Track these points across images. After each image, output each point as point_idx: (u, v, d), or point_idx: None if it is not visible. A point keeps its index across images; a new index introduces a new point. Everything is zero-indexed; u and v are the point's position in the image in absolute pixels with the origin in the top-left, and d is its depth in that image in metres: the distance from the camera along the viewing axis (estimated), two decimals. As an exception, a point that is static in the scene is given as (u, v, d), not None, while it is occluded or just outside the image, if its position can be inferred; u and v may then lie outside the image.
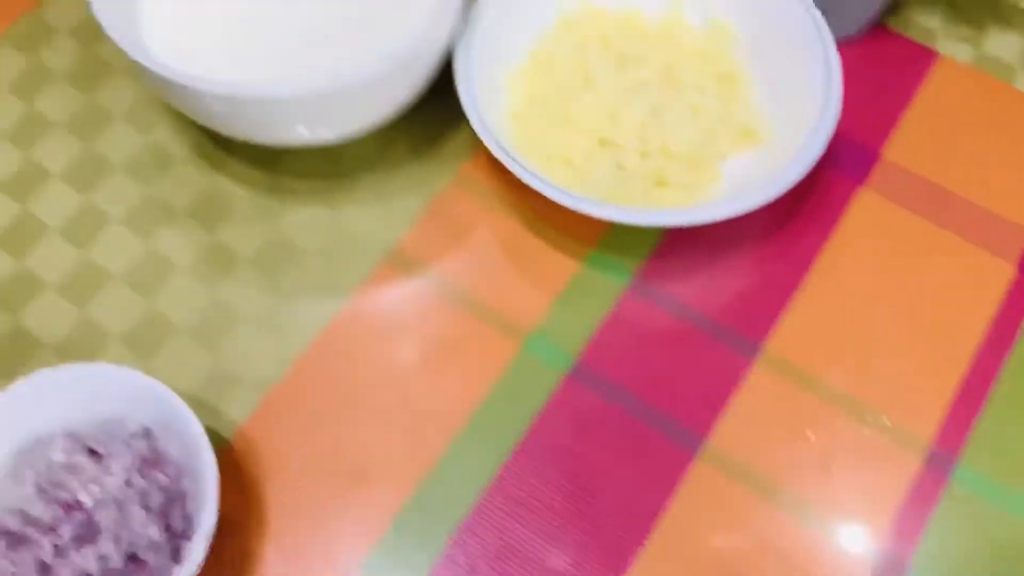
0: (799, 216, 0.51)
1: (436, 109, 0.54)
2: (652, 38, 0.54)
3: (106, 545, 0.38)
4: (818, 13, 0.50)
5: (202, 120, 0.47)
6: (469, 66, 0.49)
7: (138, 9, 0.50)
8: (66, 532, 0.38)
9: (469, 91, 0.48)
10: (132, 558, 0.38)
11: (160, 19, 0.49)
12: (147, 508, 0.39)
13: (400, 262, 0.50)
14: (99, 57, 0.57)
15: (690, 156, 0.50)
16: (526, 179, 0.45)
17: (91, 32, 0.57)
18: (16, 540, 0.38)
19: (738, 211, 0.45)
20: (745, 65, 0.53)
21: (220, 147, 0.53)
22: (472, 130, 0.48)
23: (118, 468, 0.39)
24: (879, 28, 0.58)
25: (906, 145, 0.54)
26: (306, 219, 0.51)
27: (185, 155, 0.53)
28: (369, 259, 0.50)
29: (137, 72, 0.47)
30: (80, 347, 0.48)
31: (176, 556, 0.39)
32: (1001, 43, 0.57)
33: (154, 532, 0.38)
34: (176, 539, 0.39)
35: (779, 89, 0.51)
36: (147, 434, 0.41)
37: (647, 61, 0.52)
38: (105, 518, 0.38)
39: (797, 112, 0.49)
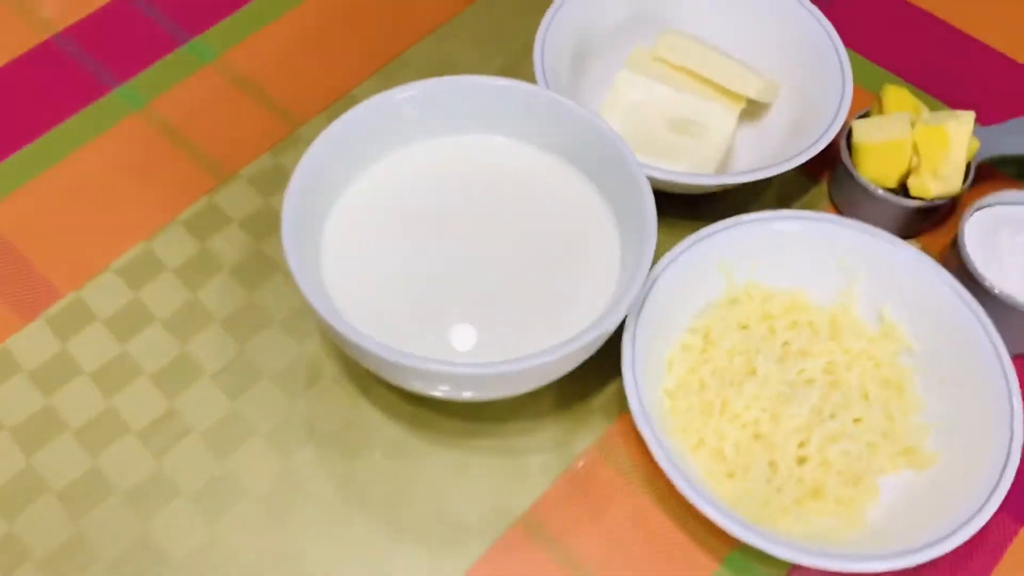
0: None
1: (589, 364, 0.53)
2: (819, 329, 0.52)
3: None
4: (994, 331, 0.49)
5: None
6: (635, 344, 0.48)
7: (321, 241, 0.51)
8: None
9: (632, 370, 0.47)
10: None
11: (341, 256, 0.50)
12: None
13: (531, 527, 0.49)
14: (265, 254, 0.58)
15: (849, 469, 0.48)
16: (675, 481, 0.44)
17: (262, 226, 0.59)
18: None
19: (903, 566, 0.43)
20: (912, 374, 0.51)
21: (369, 372, 0.53)
22: (621, 387, 0.51)
23: None
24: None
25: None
26: (442, 465, 0.51)
27: (335, 374, 0.53)
28: (500, 520, 0.49)
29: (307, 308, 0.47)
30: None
31: None
32: None
33: None
34: None
35: (949, 408, 0.49)
36: None
37: (813, 355, 0.51)
38: None
39: (970, 439, 0.47)
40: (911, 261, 0.51)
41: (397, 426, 0.52)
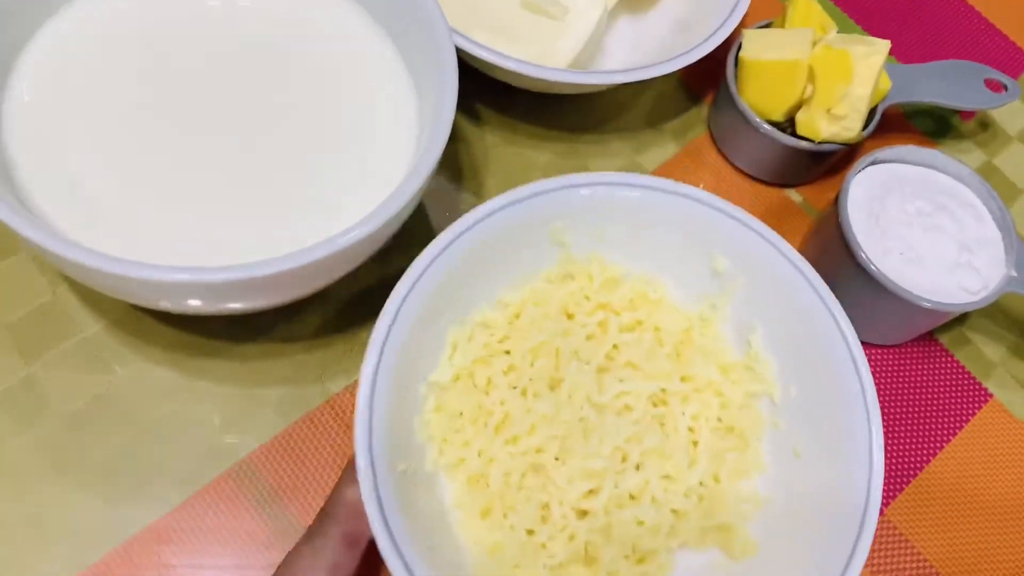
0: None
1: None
2: (665, 340, 0.38)
3: None
4: (876, 416, 0.34)
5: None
6: (404, 305, 0.33)
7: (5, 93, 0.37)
8: None
9: (382, 347, 0.32)
10: None
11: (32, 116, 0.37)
12: None
13: (243, 478, 0.38)
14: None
15: (638, 543, 0.35)
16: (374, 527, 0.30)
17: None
18: None
19: None
20: (765, 429, 0.37)
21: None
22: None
23: None
24: (929, 340, 0.47)
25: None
26: (149, 385, 0.40)
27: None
28: (209, 465, 0.38)
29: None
30: None
31: None
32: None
33: None
34: None
35: (794, 489, 0.36)
36: None
37: (644, 374, 0.37)
38: None
39: (804, 540, 0.34)
40: (807, 296, 0.36)
41: (101, 326, 0.40)
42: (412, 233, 0.41)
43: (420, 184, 0.35)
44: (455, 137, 0.48)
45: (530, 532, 0.34)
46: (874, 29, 0.55)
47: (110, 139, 0.37)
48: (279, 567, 0.31)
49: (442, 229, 0.35)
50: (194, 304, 0.34)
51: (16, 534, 0.36)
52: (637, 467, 0.36)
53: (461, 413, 0.35)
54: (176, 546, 0.37)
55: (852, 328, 0.35)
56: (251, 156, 0.38)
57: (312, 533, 0.32)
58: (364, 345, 0.32)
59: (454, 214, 0.45)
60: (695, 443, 0.37)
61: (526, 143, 0.48)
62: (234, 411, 0.39)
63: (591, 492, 0.35)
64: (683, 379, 0.37)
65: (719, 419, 0.37)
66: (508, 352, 0.37)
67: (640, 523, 0.35)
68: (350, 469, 0.31)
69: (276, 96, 0.39)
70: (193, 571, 0.36)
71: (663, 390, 0.37)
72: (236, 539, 0.37)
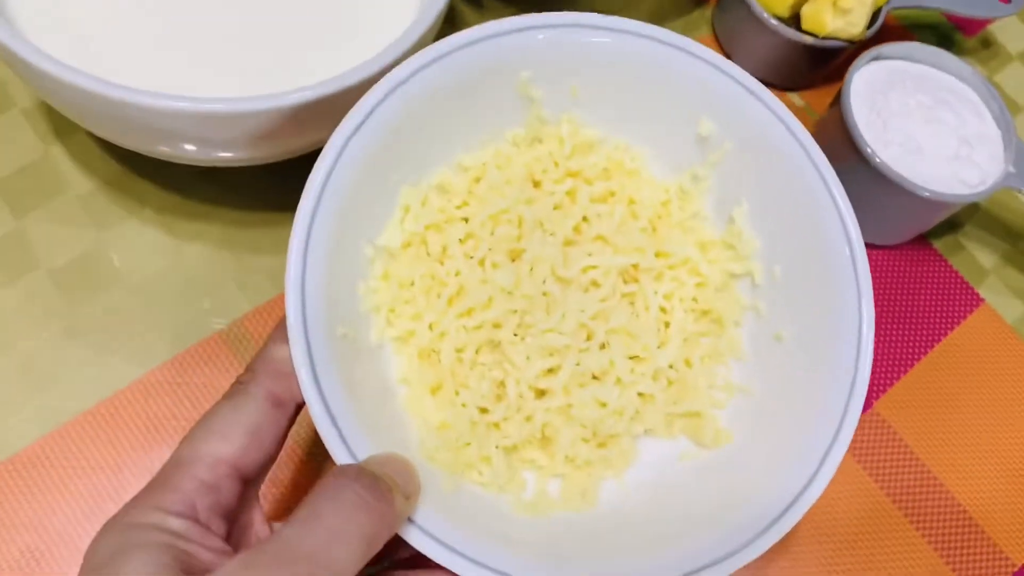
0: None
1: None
2: (640, 213, 0.35)
3: None
4: (869, 305, 0.32)
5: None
6: (342, 155, 0.29)
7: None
8: None
9: (318, 197, 0.29)
10: None
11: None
12: None
13: (233, 339, 0.38)
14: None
15: (600, 425, 0.32)
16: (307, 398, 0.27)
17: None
18: None
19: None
20: (744, 313, 0.35)
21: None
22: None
23: None
24: (924, 244, 0.47)
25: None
26: (143, 243, 0.39)
27: (29, 106, 0.41)
28: (200, 324, 0.38)
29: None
30: None
31: None
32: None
33: None
34: None
35: (772, 378, 0.33)
36: None
37: (614, 248, 0.34)
38: None
39: (781, 433, 0.32)
40: (803, 168, 0.33)
41: (94, 184, 0.40)
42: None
43: (419, 34, 0.34)
44: (454, 20, 0.47)
45: (483, 411, 0.32)
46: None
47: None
48: (193, 426, 0.27)
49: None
50: (188, 148, 0.34)
51: (6, 381, 0.36)
52: (602, 346, 0.33)
53: (412, 283, 0.32)
54: (164, 399, 0.36)
55: (851, 209, 0.32)
56: None
57: (233, 391, 0.28)
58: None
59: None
60: (667, 324, 0.34)
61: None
62: (226, 275, 0.39)
63: (550, 371, 0.32)
64: (657, 255, 0.34)
65: (694, 299, 0.35)
66: (466, 220, 0.33)
67: (602, 404, 0.32)
68: (282, 327, 0.28)
69: None
70: (179, 423, 0.36)
71: (635, 266, 0.34)
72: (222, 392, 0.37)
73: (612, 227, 0.34)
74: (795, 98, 0.49)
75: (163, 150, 0.34)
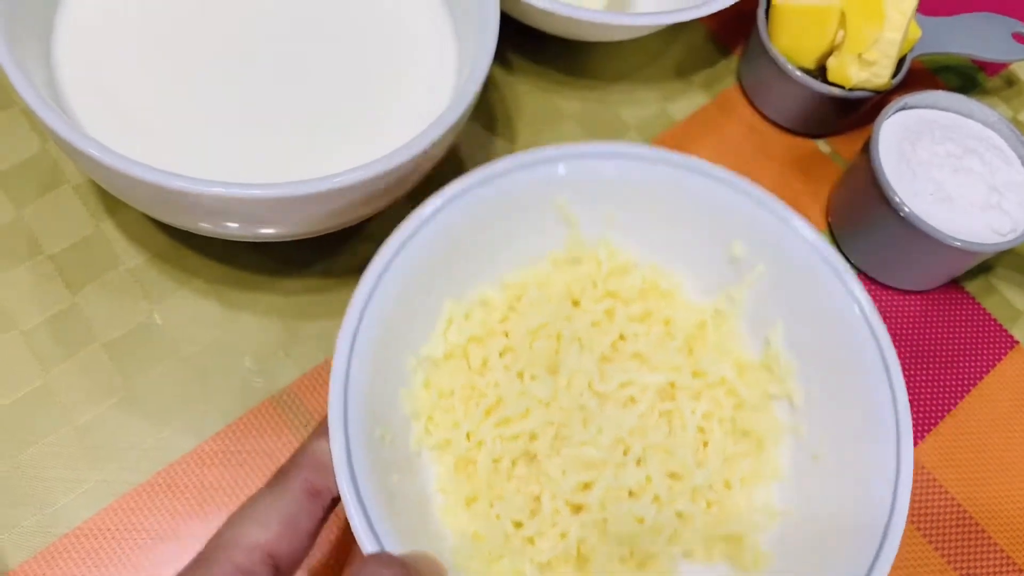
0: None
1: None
2: (676, 332, 0.36)
3: None
4: (906, 414, 0.32)
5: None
6: (389, 269, 0.32)
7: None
8: None
9: (363, 308, 0.31)
10: None
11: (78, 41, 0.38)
12: None
13: (285, 404, 0.39)
14: None
15: (636, 544, 0.32)
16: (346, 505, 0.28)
17: None
18: None
19: None
20: (783, 434, 0.35)
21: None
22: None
23: None
24: (955, 288, 0.47)
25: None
26: (193, 313, 0.40)
27: (80, 182, 0.42)
28: (252, 392, 0.39)
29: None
30: None
31: None
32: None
33: None
34: None
35: (815, 499, 0.33)
36: None
37: (651, 366, 0.35)
38: None
39: (823, 552, 0.31)
40: (833, 286, 0.34)
41: (144, 257, 0.41)
42: (446, 177, 0.41)
43: (456, 117, 0.35)
44: (487, 84, 0.48)
45: (518, 524, 0.32)
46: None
47: (157, 56, 0.38)
48: (237, 509, 0.28)
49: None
50: (231, 226, 0.35)
51: (65, 453, 0.37)
52: (638, 462, 0.33)
53: (452, 392, 0.33)
54: (218, 468, 0.37)
55: (883, 325, 0.33)
56: (290, 83, 0.39)
57: (274, 480, 0.29)
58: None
59: (487, 161, 0.46)
60: (704, 444, 0.34)
61: (556, 91, 0.49)
62: (275, 343, 0.40)
63: (586, 485, 0.32)
64: (694, 374, 0.35)
65: (733, 420, 0.35)
66: (507, 334, 0.35)
67: (639, 520, 0.32)
68: (325, 422, 0.29)
69: (317, 27, 0.40)
70: (234, 492, 0.37)
71: (672, 384, 0.35)
72: (276, 463, 0.38)
73: (649, 345, 0.35)
74: (822, 145, 0.50)
75: (204, 226, 0.35)
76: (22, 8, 0.35)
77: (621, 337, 0.35)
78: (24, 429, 0.37)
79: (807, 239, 0.34)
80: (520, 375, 0.34)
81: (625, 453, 0.33)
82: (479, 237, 0.34)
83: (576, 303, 0.36)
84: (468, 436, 0.33)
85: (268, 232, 0.36)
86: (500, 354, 0.34)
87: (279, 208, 0.33)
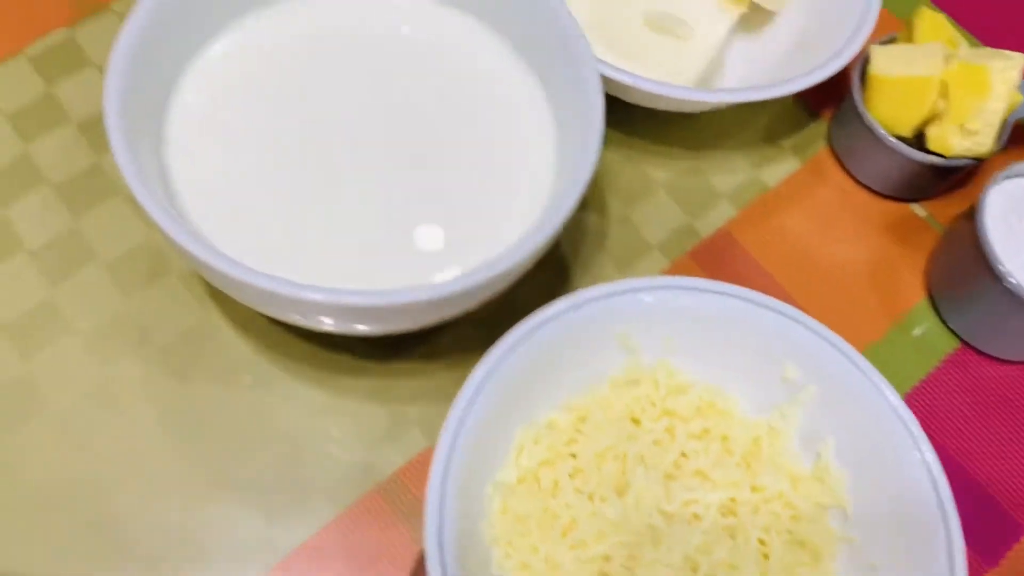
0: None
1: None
2: (734, 449, 0.38)
3: None
4: (956, 524, 0.34)
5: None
6: (474, 405, 0.34)
7: (167, 115, 0.39)
8: None
9: (452, 445, 0.33)
10: None
11: (191, 143, 0.39)
12: None
13: (392, 494, 0.39)
14: (126, 110, 0.46)
15: None
16: None
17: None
18: None
19: None
20: (837, 543, 0.36)
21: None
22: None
23: None
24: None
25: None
26: (299, 402, 0.41)
27: (185, 272, 0.43)
28: (359, 481, 0.39)
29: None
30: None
31: None
32: None
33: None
34: None
35: None
36: None
37: (712, 483, 0.37)
38: None
39: None
40: (881, 407, 0.36)
41: (251, 347, 0.41)
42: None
43: (561, 221, 0.35)
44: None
45: None
46: (992, 43, 0.55)
47: (261, 155, 0.39)
48: None
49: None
50: (327, 322, 0.36)
51: (178, 551, 0.37)
52: None
53: (528, 516, 0.35)
54: (331, 562, 0.38)
55: (926, 438, 0.35)
56: (394, 185, 0.39)
57: None
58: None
59: (578, 235, 0.46)
60: (766, 556, 0.36)
61: (646, 160, 0.49)
62: (379, 429, 0.40)
63: None
64: (753, 489, 0.37)
65: (790, 532, 0.36)
66: (574, 455, 0.37)
67: None
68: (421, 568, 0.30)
69: (418, 127, 0.40)
70: (350, 586, 0.37)
71: (732, 500, 0.37)
72: (387, 553, 0.38)
73: (709, 463, 0.37)
74: (917, 209, 0.49)
75: (299, 320, 0.36)
76: (137, 102, 0.36)
77: (683, 455, 0.37)
78: (131, 520, 0.38)
79: (856, 364, 0.36)
80: (591, 497, 0.36)
81: (694, 570, 0.35)
82: (548, 366, 0.36)
83: (637, 422, 0.38)
84: (546, 559, 0.34)
85: (371, 329, 0.37)
86: (570, 476, 0.36)
87: (382, 313, 0.34)
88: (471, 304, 0.36)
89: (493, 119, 0.40)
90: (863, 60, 0.47)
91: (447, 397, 0.41)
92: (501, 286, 0.36)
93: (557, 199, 0.36)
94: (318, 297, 0.32)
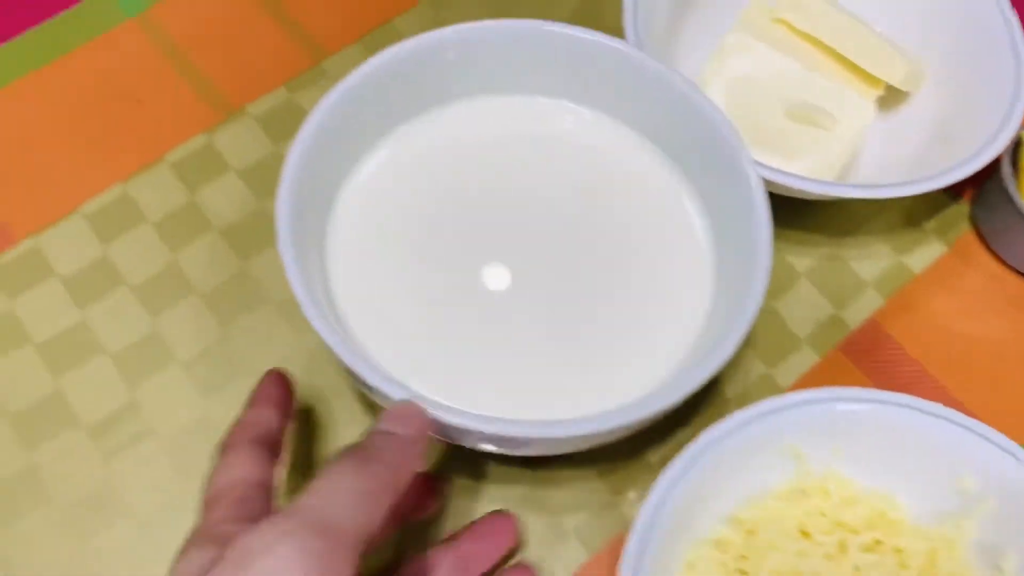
0: None
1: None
2: (909, 562, 0.37)
3: None
4: None
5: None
6: (650, 536, 0.34)
7: (328, 229, 0.40)
8: None
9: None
10: None
11: (351, 257, 0.39)
12: None
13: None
14: (267, 214, 0.47)
15: None
16: None
17: (267, 178, 0.48)
18: None
19: None
20: None
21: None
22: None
23: None
24: None
25: None
26: (453, 514, 0.40)
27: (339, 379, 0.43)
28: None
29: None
30: None
31: None
32: None
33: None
34: None
35: None
36: None
37: None
38: None
39: None
40: None
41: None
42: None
43: (723, 360, 0.34)
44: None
45: None
46: None
47: (415, 275, 0.39)
48: None
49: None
50: (486, 447, 0.36)
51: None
52: None
53: None
54: None
55: None
56: (550, 315, 0.38)
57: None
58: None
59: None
60: None
61: (786, 248, 0.48)
62: (539, 541, 0.40)
63: None
64: None
65: None
66: (745, 573, 0.36)
67: None
68: None
69: (576, 256, 0.40)
70: None
71: None
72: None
73: None
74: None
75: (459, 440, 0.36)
76: (303, 225, 0.36)
77: (856, 570, 0.36)
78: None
79: None
80: None
81: None
82: (716, 480, 0.36)
83: (807, 535, 0.37)
84: None
85: (524, 452, 0.37)
86: None
87: (542, 442, 0.34)
88: (617, 435, 0.36)
89: (651, 240, 0.40)
90: (1013, 144, 0.45)
91: (600, 503, 0.41)
92: (663, 414, 0.35)
93: (719, 333, 0.35)
94: (464, 424, 0.32)
